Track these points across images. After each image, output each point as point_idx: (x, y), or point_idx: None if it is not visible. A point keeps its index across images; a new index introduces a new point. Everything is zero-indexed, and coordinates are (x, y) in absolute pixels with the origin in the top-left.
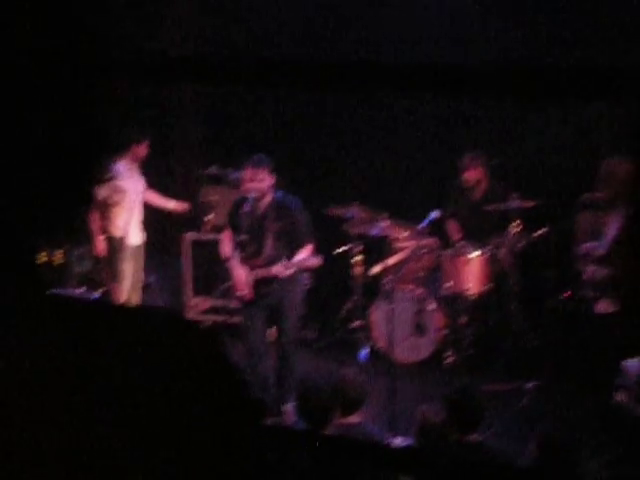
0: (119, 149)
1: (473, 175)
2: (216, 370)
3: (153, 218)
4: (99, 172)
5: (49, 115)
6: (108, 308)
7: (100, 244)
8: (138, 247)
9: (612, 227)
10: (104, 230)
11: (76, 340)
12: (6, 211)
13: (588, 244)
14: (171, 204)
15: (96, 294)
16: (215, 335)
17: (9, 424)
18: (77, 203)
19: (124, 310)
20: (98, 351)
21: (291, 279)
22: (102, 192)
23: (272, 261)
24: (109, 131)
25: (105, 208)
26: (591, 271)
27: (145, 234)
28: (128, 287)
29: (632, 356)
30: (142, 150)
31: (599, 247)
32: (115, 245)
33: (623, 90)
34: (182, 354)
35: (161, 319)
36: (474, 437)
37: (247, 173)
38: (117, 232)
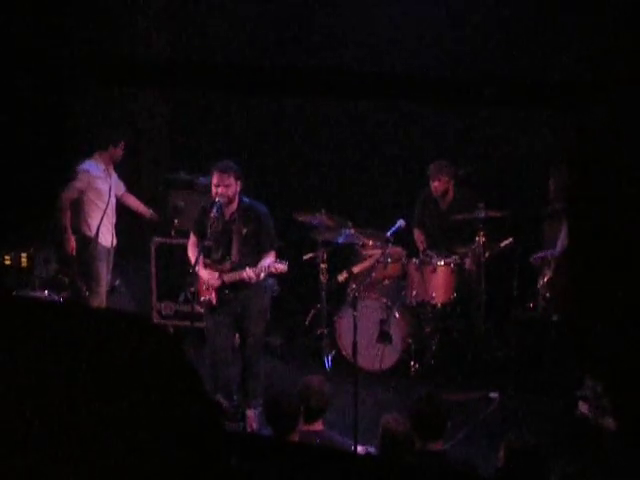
0: (92, 150)
1: (440, 185)
2: (177, 373)
3: (121, 221)
4: (65, 173)
5: (17, 116)
6: (74, 309)
7: (71, 242)
8: (109, 249)
9: (562, 236)
10: (75, 230)
11: (42, 341)
12: None
13: (540, 253)
14: (146, 212)
15: (60, 297)
16: (177, 339)
17: None
18: (43, 204)
19: (90, 312)
20: (61, 352)
21: (258, 285)
22: (75, 191)
23: (238, 267)
24: (78, 132)
25: (78, 207)
26: (544, 280)
27: (116, 238)
28: (103, 289)
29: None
30: (118, 152)
31: (548, 255)
32: (86, 244)
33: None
34: (145, 357)
35: (125, 322)
36: (437, 446)
37: (214, 178)
38: (89, 232)
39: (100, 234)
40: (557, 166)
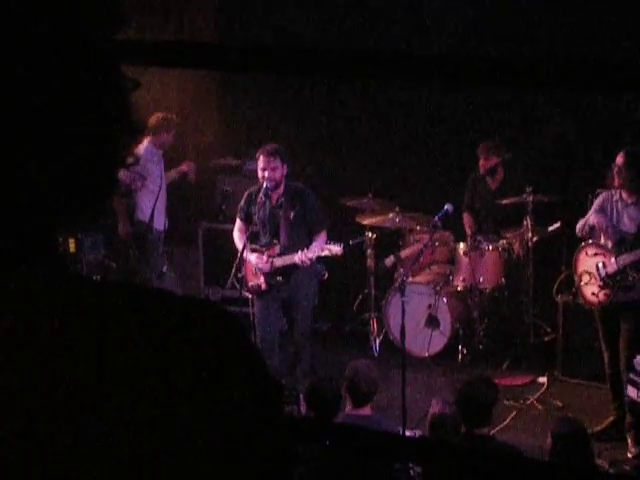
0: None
1: (488, 163)
2: (241, 354)
3: (168, 206)
4: (123, 155)
5: (69, 95)
6: (133, 290)
7: (126, 227)
8: (161, 233)
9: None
10: (129, 214)
11: (101, 322)
12: (26, 196)
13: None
14: (179, 169)
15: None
16: (237, 320)
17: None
18: (100, 188)
19: (151, 293)
20: (121, 334)
21: (307, 270)
22: (128, 175)
23: (287, 251)
24: (133, 114)
25: (131, 192)
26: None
27: (168, 221)
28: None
29: None
30: (170, 138)
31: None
32: (140, 229)
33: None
34: (207, 338)
35: (175, 299)
36: (484, 431)
37: (260, 162)
38: (142, 216)
39: (154, 218)
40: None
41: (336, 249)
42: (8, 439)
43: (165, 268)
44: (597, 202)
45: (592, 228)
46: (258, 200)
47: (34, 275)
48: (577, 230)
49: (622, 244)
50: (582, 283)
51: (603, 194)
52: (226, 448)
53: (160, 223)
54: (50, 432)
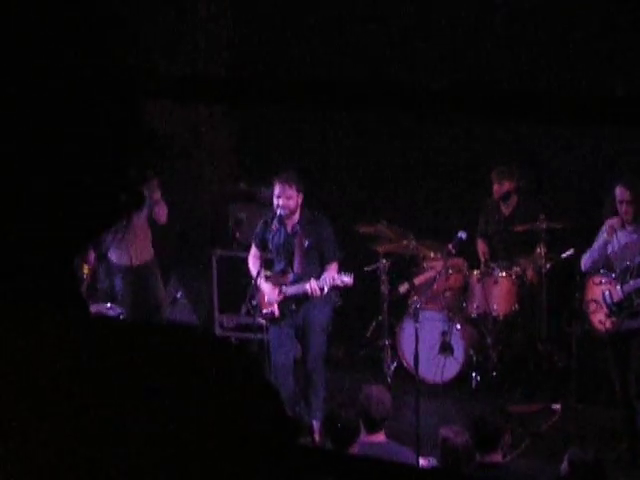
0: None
1: (502, 188)
2: (251, 388)
3: (182, 233)
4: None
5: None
6: (134, 326)
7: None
8: (118, 267)
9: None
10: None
11: (107, 359)
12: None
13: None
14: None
15: (122, 310)
16: (248, 352)
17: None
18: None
19: (150, 328)
20: (129, 370)
21: (320, 297)
22: None
23: (300, 279)
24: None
25: None
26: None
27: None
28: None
29: None
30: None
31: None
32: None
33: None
34: (213, 372)
35: (191, 336)
36: (496, 458)
37: (276, 190)
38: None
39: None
40: (627, 175)
41: (347, 280)
42: None
43: (180, 295)
44: (602, 232)
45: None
46: (273, 227)
47: (56, 318)
48: (582, 266)
49: (627, 272)
50: (589, 311)
51: (607, 222)
52: None
53: (116, 256)
54: None
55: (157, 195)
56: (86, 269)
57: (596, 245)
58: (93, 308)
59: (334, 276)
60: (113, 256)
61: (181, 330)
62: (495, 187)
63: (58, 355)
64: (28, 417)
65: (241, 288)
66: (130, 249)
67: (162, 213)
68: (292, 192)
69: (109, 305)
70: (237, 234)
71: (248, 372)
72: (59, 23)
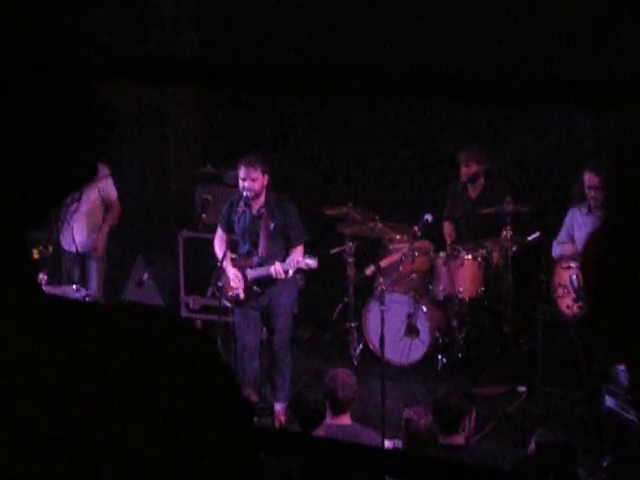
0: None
1: (469, 170)
2: (208, 370)
3: (148, 215)
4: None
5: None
6: (94, 307)
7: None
8: (70, 254)
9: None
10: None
11: (67, 342)
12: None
13: (559, 247)
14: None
15: (88, 292)
16: (209, 336)
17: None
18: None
19: (112, 309)
20: (87, 353)
21: (286, 280)
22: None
23: (265, 261)
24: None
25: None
26: (564, 274)
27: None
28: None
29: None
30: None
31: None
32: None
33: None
34: (177, 356)
35: (145, 317)
36: (459, 440)
37: (241, 172)
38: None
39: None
40: (596, 160)
41: (312, 263)
42: None
43: (146, 276)
44: (567, 219)
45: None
46: (238, 209)
47: (6, 294)
48: (553, 254)
49: None
50: (557, 295)
51: (571, 210)
52: (194, 468)
53: (67, 243)
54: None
55: (104, 172)
56: (36, 253)
57: (564, 234)
58: (59, 290)
59: (298, 259)
60: (63, 242)
61: (136, 311)
62: (463, 169)
63: (7, 337)
64: None
65: (207, 270)
66: (76, 236)
67: (111, 192)
68: (257, 174)
69: (75, 287)
70: (203, 216)
71: (204, 353)
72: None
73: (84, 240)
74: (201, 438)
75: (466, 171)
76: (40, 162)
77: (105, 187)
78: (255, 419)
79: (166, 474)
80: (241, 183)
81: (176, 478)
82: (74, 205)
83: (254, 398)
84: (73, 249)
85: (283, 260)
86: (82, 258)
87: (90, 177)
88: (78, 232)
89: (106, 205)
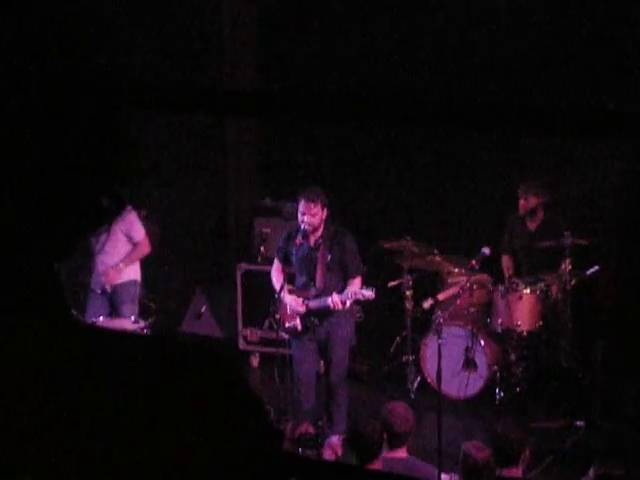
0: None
1: (528, 203)
2: (233, 396)
3: (207, 247)
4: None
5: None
6: (118, 334)
7: None
8: (94, 293)
9: None
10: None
11: (85, 365)
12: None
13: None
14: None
15: (146, 322)
16: (235, 364)
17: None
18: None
19: (138, 337)
20: (109, 377)
21: (343, 311)
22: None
23: (322, 293)
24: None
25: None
26: None
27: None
28: None
29: None
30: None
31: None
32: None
33: None
34: (196, 381)
35: (176, 345)
36: (516, 473)
37: (301, 206)
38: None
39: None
40: None
41: (369, 294)
42: None
43: (204, 309)
44: None
45: None
46: (296, 241)
47: (34, 324)
48: None
49: None
50: None
51: None
52: None
53: (94, 283)
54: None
55: (132, 215)
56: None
57: None
58: (117, 323)
59: (356, 290)
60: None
61: (167, 339)
62: (521, 202)
63: (37, 359)
64: (8, 423)
65: (265, 302)
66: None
67: (136, 231)
68: (317, 209)
69: (132, 319)
70: (262, 248)
71: (229, 379)
72: (43, 28)
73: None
74: (223, 461)
75: (525, 204)
76: (71, 192)
77: (128, 227)
78: (309, 451)
79: None
80: (300, 217)
81: None
82: (103, 236)
83: (310, 430)
84: (98, 289)
85: (340, 292)
86: (110, 296)
87: (119, 209)
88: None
89: (133, 244)
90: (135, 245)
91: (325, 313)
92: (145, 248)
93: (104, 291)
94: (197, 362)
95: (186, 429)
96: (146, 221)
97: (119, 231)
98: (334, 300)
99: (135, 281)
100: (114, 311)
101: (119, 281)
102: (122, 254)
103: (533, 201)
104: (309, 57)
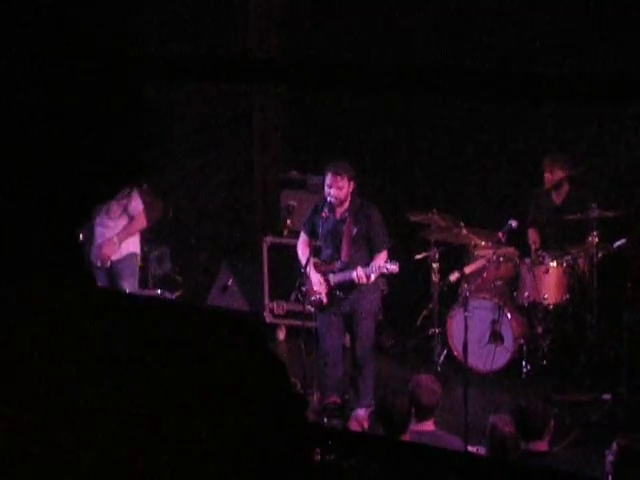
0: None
1: (553, 177)
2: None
3: (233, 220)
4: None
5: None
6: (141, 299)
7: None
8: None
9: None
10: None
11: (106, 330)
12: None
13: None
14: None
15: (173, 295)
16: (260, 330)
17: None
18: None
19: (160, 302)
20: (129, 342)
21: (368, 285)
22: None
23: (348, 266)
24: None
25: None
26: None
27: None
28: None
29: None
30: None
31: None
32: None
33: None
34: (223, 346)
35: (199, 313)
36: (542, 447)
37: (328, 179)
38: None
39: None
40: None
41: (393, 267)
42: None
43: (230, 282)
44: None
45: None
46: (322, 214)
47: (64, 290)
48: None
49: None
50: None
51: None
52: (239, 458)
53: (93, 255)
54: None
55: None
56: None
57: None
58: (145, 294)
59: (380, 264)
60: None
61: (193, 308)
62: (547, 175)
63: (57, 322)
64: (26, 389)
65: (291, 275)
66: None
67: (134, 204)
68: (344, 182)
69: (159, 292)
70: (288, 221)
71: (254, 346)
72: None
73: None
74: (246, 426)
75: (550, 178)
76: (92, 154)
77: (126, 200)
78: (335, 421)
79: (210, 463)
80: (327, 189)
81: (220, 467)
82: (102, 208)
83: (337, 401)
84: (98, 262)
85: (366, 265)
86: (109, 270)
87: (142, 172)
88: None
89: (129, 218)
90: (131, 219)
91: (350, 286)
92: (141, 222)
93: (103, 265)
94: (223, 330)
95: (212, 396)
96: (148, 195)
97: (116, 204)
98: (359, 274)
99: (135, 254)
100: (113, 286)
101: (117, 256)
102: (119, 227)
103: (559, 174)
104: (335, 28)
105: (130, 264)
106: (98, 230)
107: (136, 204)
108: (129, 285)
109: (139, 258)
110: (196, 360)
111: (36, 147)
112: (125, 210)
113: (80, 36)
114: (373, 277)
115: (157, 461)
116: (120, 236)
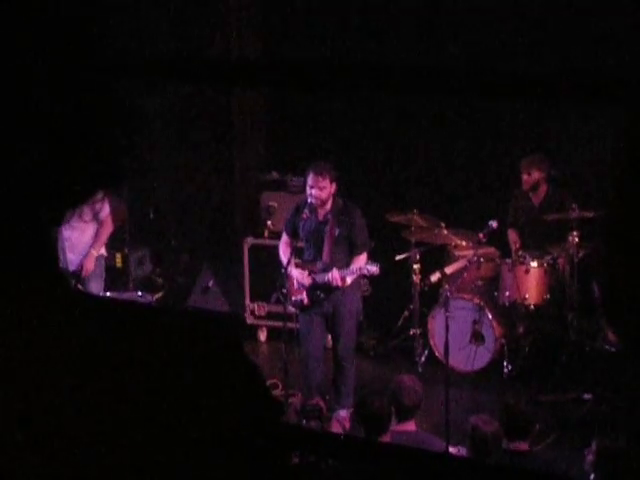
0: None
1: (530, 178)
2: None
3: (214, 222)
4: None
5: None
6: (112, 302)
7: None
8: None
9: None
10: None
11: (77, 332)
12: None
13: None
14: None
15: (154, 297)
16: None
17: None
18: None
19: (129, 305)
20: (99, 344)
21: (350, 285)
22: None
23: (329, 267)
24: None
25: None
26: None
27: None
28: None
29: None
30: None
31: None
32: None
33: None
34: (199, 350)
35: (174, 315)
36: (524, 446)
37: (309, 180)
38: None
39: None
40: None
41: (373, 269)
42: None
43: (211, 283)
44: None
45: None
46: (304, 215)
47: (38, 292)
48: None
49: None
50: None
51: None
52: (213, 461)
53: (65, 263)
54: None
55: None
56: (119, 258)
57: None
58: (125, 296)
59: (360, 265)
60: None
61: (169, 311)
62: (524, 177)
63: (31, 325)
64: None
65: (272, 276)
66: (68, 253)
67: (104, 209)
68: (325, 183)
69: (140, 294)
70: (268, 222)
71: (232, 354)
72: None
73: (75, 258)
74: (219, 430)
75: (528, 179)
76: (69, 156)
77: (101, 204)
78: (313, 422)
79: (182, 466)
80: (308, 190)
81: (196, 469)
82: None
83: (320, 403)
84: (67, 267)
85: (347, 266)
86: (76, 279)
87: (117, 177)
88: (70, 249)
89: (98, 222)
90: (100, 224)
91: (331, 287)
92: (109, 227)
93: (81, 274)
94: (197, 333)
95: (186, 400)
96: (113, 199)
97: (88, 207)
98: (334, 275)
99: (101, 255)
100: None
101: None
102: (89, 231)
103: (536, 175)
104: (315, 25)
105: (98, 266)
106: (65, 232)
107: (105, 207)
108: (96, 286)
109: (104, 260)
110: (169, 364)
111: (11, 149)
112: (96, 215)
113: (52, 36)
114: (349, 280)
115: (130, 464)
116: (95, 247)
